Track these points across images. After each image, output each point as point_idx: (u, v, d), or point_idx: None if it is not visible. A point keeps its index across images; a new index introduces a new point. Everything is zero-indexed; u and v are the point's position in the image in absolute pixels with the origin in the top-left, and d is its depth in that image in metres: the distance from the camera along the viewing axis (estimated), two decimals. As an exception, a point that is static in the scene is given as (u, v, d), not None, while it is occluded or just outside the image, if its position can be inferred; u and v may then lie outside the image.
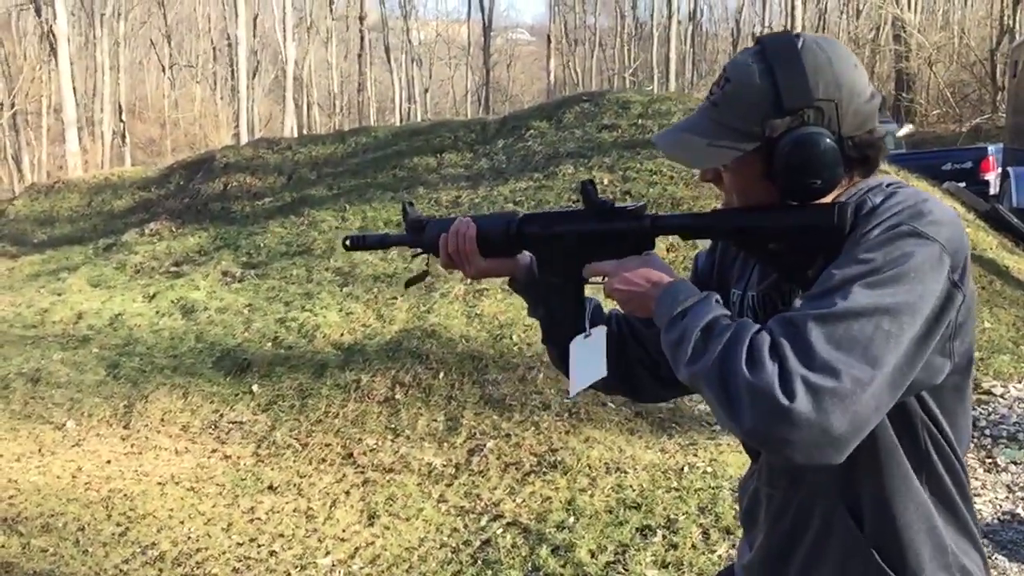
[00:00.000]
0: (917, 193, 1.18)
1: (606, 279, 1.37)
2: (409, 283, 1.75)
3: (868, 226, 1.14)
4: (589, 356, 1.43)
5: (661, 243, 6.53)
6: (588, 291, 1.51)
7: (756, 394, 1.06)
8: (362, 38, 41.19)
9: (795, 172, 1.21)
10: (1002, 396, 5.02)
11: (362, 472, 4.95)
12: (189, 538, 4.35)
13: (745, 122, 1.23)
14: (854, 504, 1.24)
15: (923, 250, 1.10)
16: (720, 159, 1.27)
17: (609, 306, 1.55)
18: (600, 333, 1.43)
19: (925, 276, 1.09)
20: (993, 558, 3.54)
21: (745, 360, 1.09)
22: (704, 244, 1.55)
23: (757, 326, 1.14)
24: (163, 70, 43.15)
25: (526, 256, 1.53)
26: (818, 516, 1.27)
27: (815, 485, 1.27)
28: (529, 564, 3.77)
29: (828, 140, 1.19)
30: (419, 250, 1.61)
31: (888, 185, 1.23)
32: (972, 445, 4.51)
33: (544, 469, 4.63)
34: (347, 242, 1.70)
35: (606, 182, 7.80)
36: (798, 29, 31.41)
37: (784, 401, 1.04)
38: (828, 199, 1.23)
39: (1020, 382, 5.23)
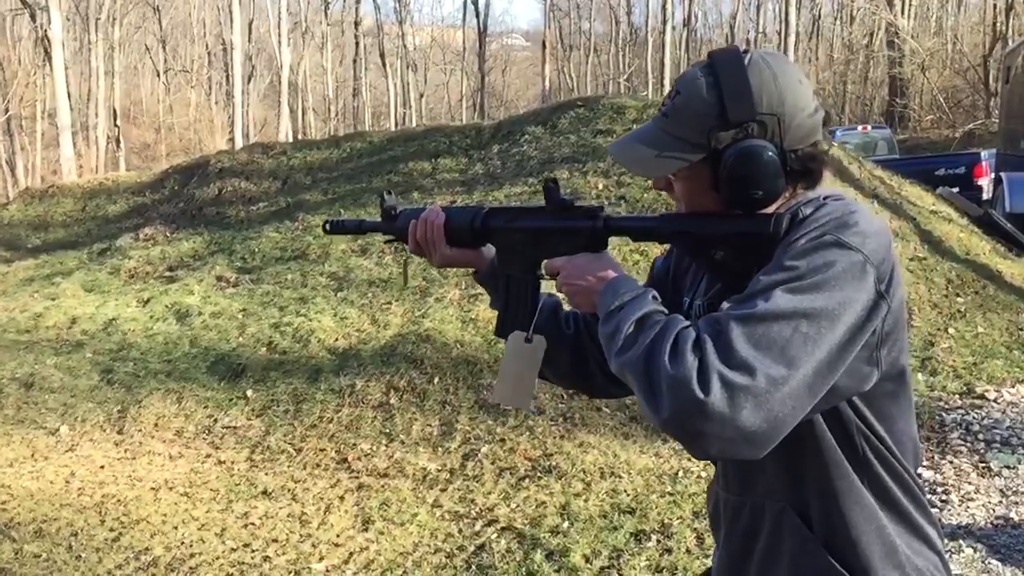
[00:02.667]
0: (847, 205, 1.22)
1: (558, 274, 1.43)
2: (405, 281, 1.79)
3: (796, 235, 1.19)
4: (521, 370, 1.49)
5: (651, 249, 6.53)
6: (548, 287, 1.54)
7: (674, 386, 1.10)
8: (357, 43, 41.22)
9: (738, 183, 1.25)
10: (995, 401, 5.03)
11: (356, 477, 4.95)
12: (183, 543, 4.34)
13: (692, 133, 1.27)
14: (802, 506, 1.28)
15: (845, 259, 1.14)
16: (668, 168, 1.32)
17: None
18: (540, 345, 1.49)
19: (846, 284, 1.13)
20: (987, 562, 3.55)
21: (668, 353, 1.13)
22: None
23: (686, 323, 1.18)
24: (158, 75, 43.10)
25: (491, 249, 1.58)
26: (769, 518, 1.32)
27: (765, 488, 1.32)
28: (523, 569, 3.77)
29: (770, 153, 1.23)
30: (392, 237, 1.67)
31: (825, 197, 1.26)
32: (965, 450, 4.52)
33: (539, 474, 4.64)
34: (327, 225, 1.78)
35: (601, 187, 7.81)
36: (792, 36, 31.53)
37: (700, 394, 1.07)
38: (771, 209, 1.28)
39: (1013, 387, 5.24)
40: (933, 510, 3.93)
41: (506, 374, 1.51)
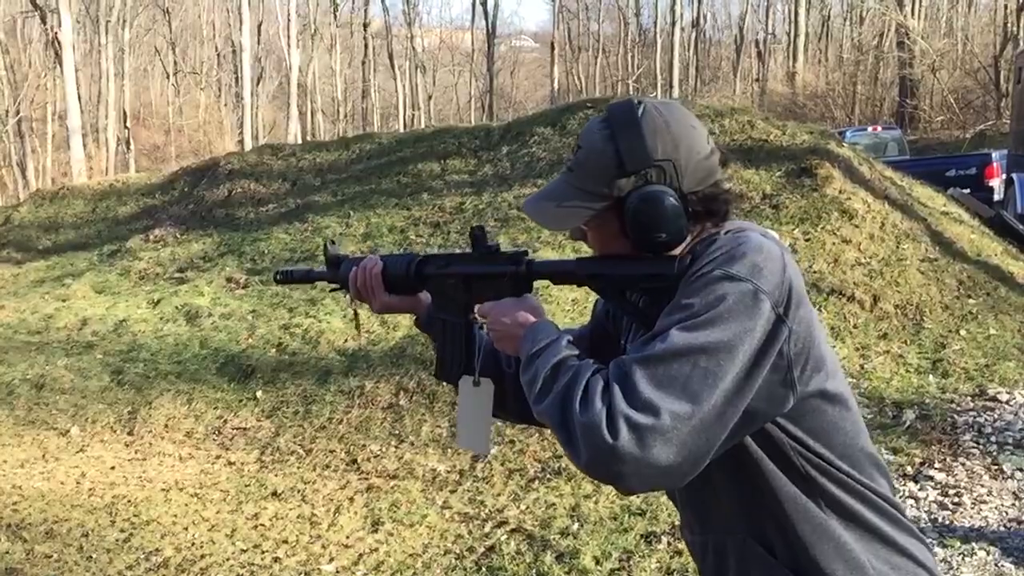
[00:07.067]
0: (737, 237, 1.26)
1: (485, 319, 1.48)
2: (357, 327, 1.83)
3: (690, 273, 1.23)
4: (475, 413, 1.55)
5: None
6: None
7: (586, 433, 1.15)
8: (366, 45, 41.31)
9: (642, 227, 1.30)
10: (1008, 403, 5.00)
11: (366, 478, 4.95)
12: (193, 544, 4.35)
13: (596, 184, 1.33)
14: (760, 534, 1.30)
15: (735, 291, 1.17)
16: (576, 218, 1.37)
17: None
18: (488, 388, 1.54)
19: (739, 315, 1.16)
20: (1000, 565, 3.53)
21: (579, 401, 1.18)
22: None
23: (595, 368, 1.23)
24: (167, 77, 43.24)
25: (428, 295, 1.63)
26: (732, 552, 1.33)
27: (722, 523, 1.34)
28: (534, 571, 3.76)
29: (670, 196, 1.29)
30: (337, 285, 1.72)
31: (726, 233, 1.30)
32: (978, 452, 4.49)
33: (548, 475, 4.63)
34: (278, 275, 1.84)
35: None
36: (801, 36, 31.46)
37: (609, 439, 1.12)
38: (679, 250, 1.33)
39: (1026, 388, 5.21)
40: (944, 512, 3.92)
41: (463, 419, 1.56)
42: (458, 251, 1.58)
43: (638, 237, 1.31)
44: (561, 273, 1.47)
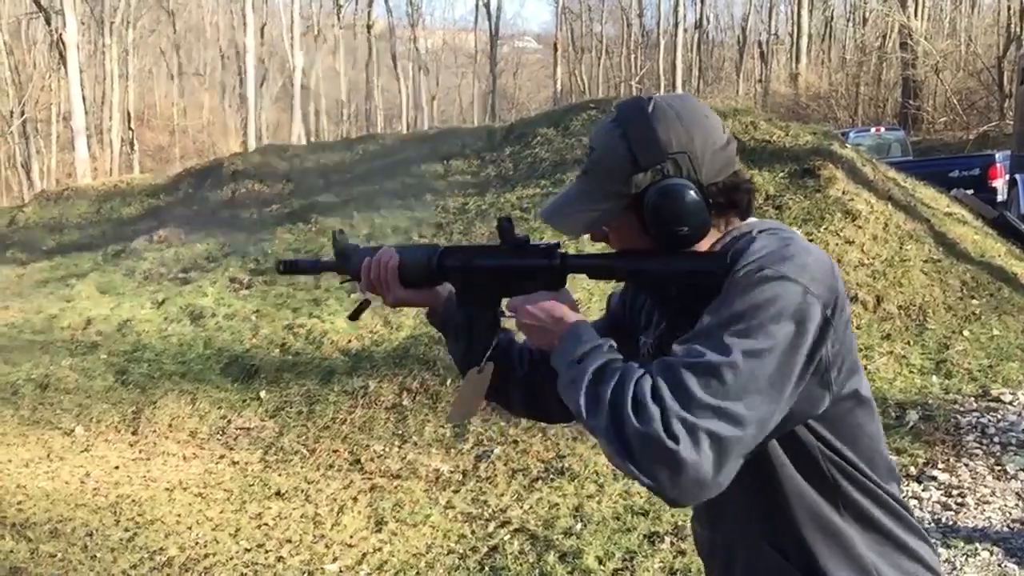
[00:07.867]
0: (781, 238, 1.24)
1: (516, 313, 1.43)
2: (353, 317, 1.76)
3: (735, 271, 1.19)
4: (472, 391, 1.52)
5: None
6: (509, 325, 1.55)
7: (644, 440, 1.11)
8: (369, 46, 41.32)
9: (662, 222, 1.28)
10: (1011, 403, 4.99)
11: (369, 478, 4.96)
12: (197, 544, 4.36)
13: (613, 184, 1.31)
14: (773, 537, 1.29)
15: (787, 292, 1.15)
16: (597, 222, 1.35)
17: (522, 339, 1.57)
18: (488, 370, 1.51)
19: (792, 318, 1.14)
20: (1003, 565, 3.53)
21: (632, 407, 1.14)
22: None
23: (641, 371, 1.19)
24: (172, 78, 43.31)
25: (446, 290, 1.58)
26: (741, 554, 1.33)
27: (734, 522, 1.33)
28: (537, 571, 3.76)
29: (689, 189, 1.26)
30: (347, 277, 1.66)
31: (760, 231, 1.28)
32: (981, 452, 4.49)
33: (551, 475, 4.63)
34: (280, 266, 1.76)
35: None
36: (804, 38, 31.43)
37: (670, 445, 1.09)
38: (706, 244, 1.31)
39: (1029, 389, 5.20)
40: (948, 513, 3.92)
41: (461, 399, 1.54)
42: (483, 244, 1.53)
43: (659, 232, 1.28)
44: (599, 268, 1.40)
